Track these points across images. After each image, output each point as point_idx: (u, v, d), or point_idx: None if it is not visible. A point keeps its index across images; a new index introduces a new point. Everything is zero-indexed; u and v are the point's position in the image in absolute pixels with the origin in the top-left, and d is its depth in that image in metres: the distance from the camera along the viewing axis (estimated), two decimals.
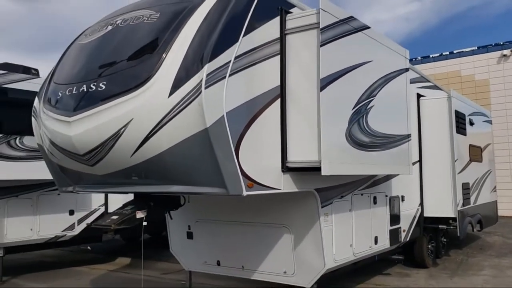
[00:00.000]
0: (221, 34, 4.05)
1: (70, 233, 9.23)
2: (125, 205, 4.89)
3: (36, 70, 9.18)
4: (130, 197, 9.49)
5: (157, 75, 3.99)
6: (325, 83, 4.62)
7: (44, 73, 8.71)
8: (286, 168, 4.74)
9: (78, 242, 9.71)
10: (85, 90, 4.25)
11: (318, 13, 4.65)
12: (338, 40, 4.87)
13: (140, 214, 4.65)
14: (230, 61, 4.08)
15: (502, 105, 15.50)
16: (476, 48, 16.66)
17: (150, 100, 3.97)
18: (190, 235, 6.47)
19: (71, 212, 9.25)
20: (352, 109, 5.15)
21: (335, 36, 4.83)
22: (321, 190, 5.34)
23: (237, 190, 4.11)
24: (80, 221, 9.39)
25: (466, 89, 15.88)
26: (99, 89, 4.17)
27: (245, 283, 7.44)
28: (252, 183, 4.27)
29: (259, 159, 4.41)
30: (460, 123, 8.73)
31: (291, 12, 4.93)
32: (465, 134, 8.97)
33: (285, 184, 4.74)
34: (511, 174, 15.30)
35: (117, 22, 4.65)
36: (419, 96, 8.40)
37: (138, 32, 4.38)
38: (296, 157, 4.74)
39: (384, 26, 53.30)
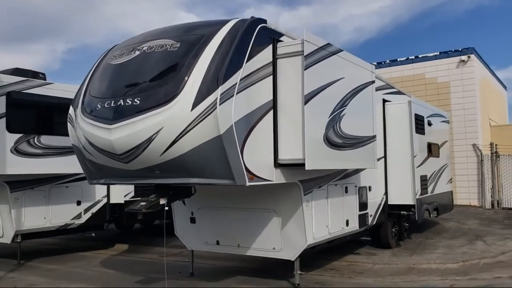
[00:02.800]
0: (230, 62, 5.32)
1: (78, 222, 10.33)
2: (148, 194, 6.11)
3: (43, 74, 10.19)
4: (130, 188, 10.67)
5: (182, 93, 5.23)
6: (308, 98, 5.94)
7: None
8: (277, 164, 6.05)
9: (84, 229, 10.80)
10: (122, 103, 5.45)
11: (303, 43, 5.95)
12: (318, 63, 6.19)
13: (162, 201, 5.89)
14: (236, 83, 5.36)
15: (461, 105, 17.15)
16: (438, 53, 18.29)
17: (177, 113, 5.20)
18: (193, 220, 7.70)
19: (78, 203, 10.35)
20: (329, 117, 6.49)
21: (316, 61, 6.15)
22: (304, 181, 6.67)
23: (242, 181, 5.41)
24: (86, 210, 10.50)
25: (430, 91, 17.48)
26: (134, 103, 5.37)
27: (241, 262, 8.76)
28: (252, 176, 5.57)
29: (257, 157, 5.70)
30: (419, 124, 10.20)
31: (281, 41, 6.23)
32: (423, 134, 10.45)
33: (276, 176, 6.06)
34: (467, 168, 16.98)
35: (143, 48, 5.84)
36: (384, 101, 9.80)
37: (163, 58, 5.60)
38: (285, 155, 6.06)
39: (357, 21, 54.86)
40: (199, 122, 5.18)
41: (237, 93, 5.34)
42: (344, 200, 7.99)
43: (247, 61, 5.55)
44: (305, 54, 5.92)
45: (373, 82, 7.98)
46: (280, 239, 6.91)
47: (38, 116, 9.36)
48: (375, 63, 19.46)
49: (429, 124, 10.89)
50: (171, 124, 5.21)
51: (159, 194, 5.98)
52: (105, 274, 8.54)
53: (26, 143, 8.91)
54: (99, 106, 5.70)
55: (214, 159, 5.30)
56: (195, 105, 5.18)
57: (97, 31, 52.72)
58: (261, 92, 5.85)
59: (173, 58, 5.55)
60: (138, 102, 5.36)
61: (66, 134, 9.49)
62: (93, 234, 11.11)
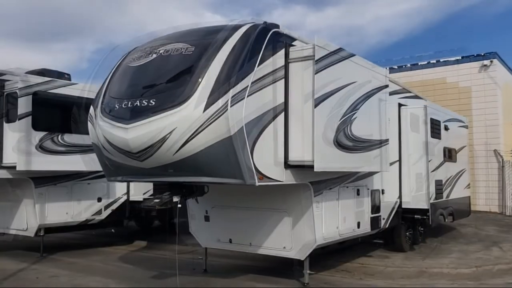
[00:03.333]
0: (242, 66, 5.53)
1: (98, 217, 10.70)
2: (162, 192, 6.36)
3: (68, 74, 10.60)
4: (149, 186, 10.97)
5: (194, 95, 5.45)
6: (318, 101, 6.10)
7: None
8: (287, 165, 6.22)
9: (104, 225, 11.17)
10: (139, 104, 5.71)
11: (314, 48, 6.11)
12: (329, 67, 6.34)
13: (175, 198, 6.13)
14: (247, 86, 5.56)
15: (482, 111, 16.96)
16: (460, 57, 18.12)
17: (190, 114, 5.43)
18: (207, 218, 7.92)
19: (99, 200, 10.72)
20: (339, 120, 6.62)
21: (327, 65, 6.30)
22: (314, 183, 6.81)
23: (251, 181, 5.59)
24: (106, 207, 10.86)
25: (451, 95, 17.34)
26: (150, 104, 5.62)
27: (253, 260, 8.95)
28: (262, 176, 5.76)
29: (267, 158, 5.89)
30: (435, 128, 10.21)
31: (294, 45, 6.40)
32: (439, 138, 10.45)
33: (286, 177, 6.22)
34: (488, 173, 16.78)
35: (160, 51, 6.09)
36: (400, 105, 9.85)
37: (178, 61, 5.84)
38: (294, 157, 6.22)
39: (384, 22, 54.23)
40: (210, 123, 5.39)
41: (248, 96, 5.54)
42: (355, 202, 8.09)
43: (258, 65, 5.74)
44: (316, 59, 6.08)
45: (386, 86, 8.07)
46: (291, 238, 7.07)
47: (62, 115, 9.75)
48: (396, 67, 19.40)
49: (446, 128, 10.87)
50: (183, 125, 5.43)
51: (173, 192, 6.22)
52: (122, 269, 8.85)
53: (50, 140, 9.30)
54: (117, 106, 5.97)
55: (225, 159, 5.50)
56: (207, 106, 5.39)
57: (125, 31, 53.72)
58: (273, 95, 6.03)
59: (187, 61, 5.78)
60: (154, 103, 5.60)
61: (88, 133, 10.03)
62: (113, 230, 11.47)
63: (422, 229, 11.07)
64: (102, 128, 6.22)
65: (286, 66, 6.26)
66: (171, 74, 5.81)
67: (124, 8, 48.45)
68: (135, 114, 5.69)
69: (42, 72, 9.90)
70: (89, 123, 6.79)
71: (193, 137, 5.44)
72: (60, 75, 10.27)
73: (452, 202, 11.13)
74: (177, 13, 51.13)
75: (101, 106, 6.38)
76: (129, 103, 5.82)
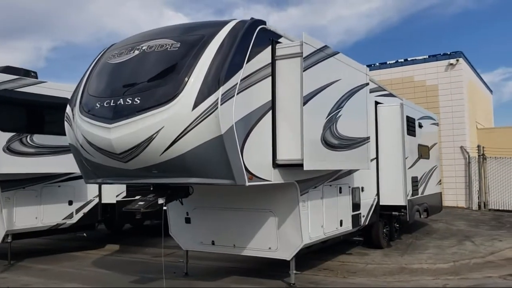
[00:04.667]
0: (231, 63, 5.36)
1: (69, 221, 10.26)
2: (141, 194, 6.12)
3: (35, 72, 10.11)
4: (122, 188, 10.62)
5: (182, 93, 5.24)
6: (306, 99, 6.00)
7: None
8: (275, 165, 6.10)
9: (75, 229, 10.72)
10: (122, 103, 5.44)
11: (302, 45, 6.01)
12: (316, 65, 6.26)
13: (160, 200, 5.90)
14: (237, 84, 5.40)
15: (449, 108, 17.39)
16: (427, 56, 18.55)
17: (177, 112, 5.22)
18: (188, 220, 7.71)
19: (70, 203, 10.28)
20: (326, 118, 6.56)
21: (314, 62, 6.22)
22: (300, 182, 6.73)
23: (241, 181, 5.44)
24: (77, 210, 10.43)
25: (419, 93, 17.71)
26: (134, 103, 5.37)
27: (234, 262, 8.79)
28: (252, 176, 5.61)
29: (256, 158, 5.74)
30: (410, 126, 10.34)
31: (280, 42, 6.28)
32: (414, 135, 10.60)
33: (274, 177, 6.11)
34: (455, 170, 17.23)
35: (143, 48, 5.84)
36: (376, 103, 9.92)
37: (163, 58, 5.61)
38: (283, 156, 6.11)
39: (346, 22, 55.20)
40: (200, 122, 5.20)
41: (237, 94, 5.38)
42: (338, 200, 8.08)
43: (247, 62, 5.59)
44: (304, 56, 5.98)
45: (367, 84, 8.09)
46: (276, 239, 6.96)
47: (31, 115, 9.28)
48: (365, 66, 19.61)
49: (420, 126, 11.04)
50: (171, 124, 5.22)
51: (157, 194, 5.99)
52: (99, 274, 8.50)
53: (18, 142, 8.83)
54: (98, 105, 5.68)
55: (214, 159, 5.32)
56: (196, 105, 5.20)
57: (83, 30, 52.20)
58: (260, 93, 5.90)
59: (173, 58, 5.56)
60: (138, 101, 5.36)
61: (59, 133, 9.54)
62: (84, 234, 11.03)
63: (397, 225, 11.23)
64: (81, 128, 5.92)
65: (272, 64, 6.14)
66: (157, 71, 5.57)
67: (82, 6, 47.07)
68: (118, 113, 5.43)
69: (6, 70, 9.39)
70: (66, 123, 6.47)
71: (182, 137, 5.24)
72: (26, 73, 9.78)
73: (426, 198, 11.33)
74: (137, 11, 50.12)
75: (79, 105, 6.09)
76: (111, 101, 5.55)
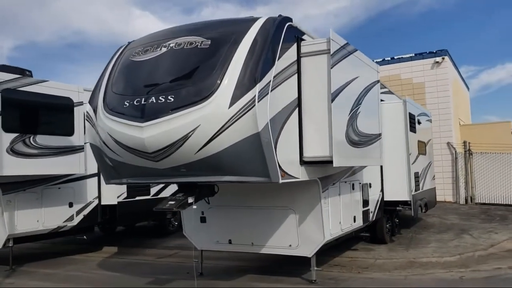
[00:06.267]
0: (265, 60, 5.34)
1: (70, 224, 9.99)
2: (174, 193, 6.02)
3: (30, 71, 9.80)
4: (124, 189, 10.43)
5: (218, 91, 5.19)
6: (334, 96, 6.03)
7: None
8: (302, 162, 6.11)
9: (75, 232, 10.45)
10: (154, 101, 5.34)
11: (329, 42, 6.04)
12: (340, 62, 6.30)
13: (190, 200, 5.82)
14: (270, 81, 5.38)
15: (435, 105, 17.78)
16: (413, 54, 18.94)
17: (214, 110, 5.16)
18: (203, 220, 7.63)
19: (71, 205, 10.01)
20: (348, 115, 6.61)
21: (339, 60, 6.26)
22: (322, 179, 6.76)
23: (276, 179, 5.43)
24: (78, 212, 10.17)
25: (406, 91, 18.00)
26: (168, 101, 5.28)
27: (246, 261, 8.75)
28: (284, 173, 5.60)
29: (287, 155, 5.74)
30: (412, 123, 10.53)
31: (304, 39, 6.29)
32: (415, 132, 10.80)
33: (301, 174, 6.11)
34: (442, 165, 17.63)
35: (170, 45, 5.74)
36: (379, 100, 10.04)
37: (195, 55, 5.53)
38: (310, 153, 6.13)
39: (314, 21, 55.63)
40: (237, 120, 5.15)
41: (271, 91, 5.36)
42: (351, 197, 8.16)
43: (278, 59, 5.59)
44: (331, 53, 6.01)
45: (378, 81, 8.19)
46: (297, 236, 6.97)
47: (33, 115, 9.00)
48: None
49: (419, 122, 11.25)
50: (208, 122, 5.16)
51: (187, 193, 5.90)
52: (108, 277, 8.32)
53: (22, 143, 8.55)
54: (127, 104, 5.56)
55: (250, 157, 5.29)
56: (232, 102, 5.15)
57: (47, 28, 50.70)
58: (288, 91, 5.90)
59: (205, 55, 5.49)
60: (172, 99, 5.27)
61: (62, 134, 9.36)
62: (84, 237, 10.76)
63: (397, 221, 11.41)
64: (106, 126, 5.78)
65: (298, 61, 6.15)
66: (189, 68, 5.49)
67: (46, 3, 45.78)
68: (151, 112, 5.33)
69: (2, 69, 9.08)
70: (86, 123, 6.30)
71: (218, 135, 5.18)
72: (22, 72, 9.47)
73: (425, 193, 11.56)
74: (104, 9, 49.10)
75: (103, 104, 5.93)
76: (142, 100, 5.44)
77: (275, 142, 5.42)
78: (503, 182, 16.62)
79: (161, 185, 11.42)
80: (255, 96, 5.14)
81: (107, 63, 6.53)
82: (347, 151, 6.48)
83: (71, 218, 10.01)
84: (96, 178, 10.49)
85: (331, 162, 5.99)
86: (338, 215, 7.43)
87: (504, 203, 16.38)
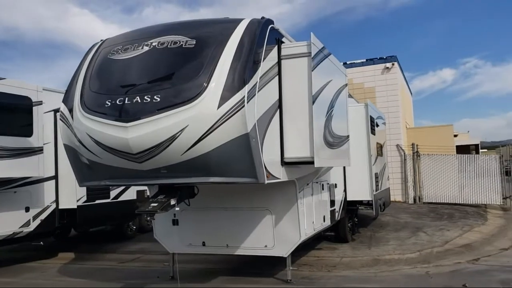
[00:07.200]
0: (253, 61, 5.37)
1: (26, 229, 9.50)
2: (155, 195, 5.90)
3: None
4: (84, 192, 10.04)
5: (206, 91, 5.15)
6: (314, 98, 6.16)
7: None
8: (283, 163, 6.18)
9: (32, 238, 9.94)
10: (139, 101, 5.22)
11: (309, 45, 6.15)
12: (319, 65, 6.43)
13: (173, 201, 5.73)
14: (257, 82, 5.42)
15: (385, 109, 18.48)
16: (365, 60, 19.63)
17: (203, 110, 5.12)
18: (175, 222, 7.50)
19: (27, 209, 9.52)
20: (325, 116, 6.76)
21: (318, 63, 6.39)
22: (298, 179, 6.88)
23: (262, 179, 5.46)
24: (34, 217, 9.69)
25: (357, 95, 18.57)
26: (154, 101, 5.18)
27: (215, 264, 8.69)
28: (269, 174, 5.65)
29: (271, 156, 5.79)
30: (372, 125, 10.91)
31: (283, 42, 6.38)
32: (374, 134, 11.19)
33: (283, 174, 6.19)
34: (392, 166, 18.36)
35: (153, 44, 5.63)
36: None
37: (180, 55, 5.45)
38: (290, 154, 6.21)
39: None
40: (226, 120, 5.14)
41: (258, 91, 5.40)
42: (322, 197, 8.34)
43: (263, 60, 5.64)
44: (312, 56, 6.13)
45: (346, 85, 8.42)
46: (273, 236, 7.03)
47: None
48: None
49: (377, 125, 11.68)
50: (197, 122, 5.11)
51: (169, 195, 5.80)
52: (75, 283, 8.00)
53: None
54: (109, 103, 5.39)
55: (238, 157, 5.29)
56: (221, 103, 5.14)
57: None
58: (271, 92, 5.96)
59: (191, 55, 5.43)
60: (158, 99, 5.18)
61: (19, 135, 8.88)
62: (41, 243, 10.25)
63: (357, 220, 11.77)
64: (85, 126, 5.58)
65: (279, 63, 6.22)
66: (175, 68, 5.41)
67: None
68: (136, 111, 5.20)
69: None
70: (60, 123, 6.03)
71: (207, 135, 5.15)
72: None
73: (383, 193, 12.00)
74: (38, 6, 47.00)
75: (80, 103, 5.71)
76: (126, 99, 5.30)
77: (261, 143, 5.46)
78: (448, 182, 17.57)
79: (121, 188, 11.12)
80: (244, 97, 5.16)
81: (81, 61, 6.31)
82: (325, 152, 6.62)
83: (27, 224, 9.53)
84: (53, 181, 10.05)
85: (311, 162, 6.10)
86: (312, 215, 7.58)
87: (449, 202, 17.32)
